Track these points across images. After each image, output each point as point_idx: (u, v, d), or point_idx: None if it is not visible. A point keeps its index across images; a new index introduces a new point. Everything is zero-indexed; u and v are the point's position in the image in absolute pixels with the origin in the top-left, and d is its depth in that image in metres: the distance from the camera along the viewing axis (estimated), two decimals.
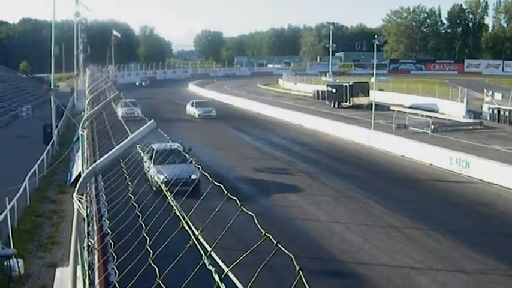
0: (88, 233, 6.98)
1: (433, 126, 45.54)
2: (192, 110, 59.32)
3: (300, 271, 2.39)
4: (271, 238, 2.72)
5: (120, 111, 32.48)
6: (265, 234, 2.79)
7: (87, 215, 7.18)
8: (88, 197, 8.13)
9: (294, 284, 2.38)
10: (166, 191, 4.82)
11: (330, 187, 28.55)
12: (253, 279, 2.68)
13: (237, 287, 2.80)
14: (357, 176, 30.96)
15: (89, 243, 6.80)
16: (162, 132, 7.29)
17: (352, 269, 17.80)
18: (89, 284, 5.90)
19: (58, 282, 11.47)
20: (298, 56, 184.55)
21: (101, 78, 48.99)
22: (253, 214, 3.14)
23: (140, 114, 33.76)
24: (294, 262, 2.44)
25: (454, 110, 56.33)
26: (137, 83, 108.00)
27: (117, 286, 4.72)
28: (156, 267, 3.91)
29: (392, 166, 34.22)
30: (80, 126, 17.40)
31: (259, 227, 2.88)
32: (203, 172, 4.40)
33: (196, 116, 57.33)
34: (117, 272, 5.08)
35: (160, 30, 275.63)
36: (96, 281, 5.70)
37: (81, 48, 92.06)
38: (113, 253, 5.66)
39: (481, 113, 55.89)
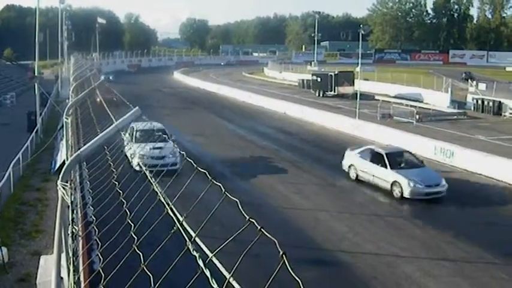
0: (72, 220, 6.96)
1: (417, 116, 45.72)
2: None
3: (284, 255, 2.40)
4: (255, 223, 2.73)
5: (135, 153, 16.10)
6: (249, 219, 2.80)
7: (72, 202, 7.16)
8: (72, 184, 8.09)
9: (278, 268, 2.39)
10: (151, 178, 4.82)
11: (315, 176, 28.61)
12: (237, 264, 2.69)
13: (221, 272, 2.81)
14: (342, 165, 31.02)
15: (73, 230, 6.79)
16: (146, 119, 7.27)
17: (336, 257, 17.88)
18: (73, 271, 5.89)
19: (42, 270, 11.43)
20: (283, 44, 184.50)
21: (85, 65, 48.72)
22: (237, 200, 3.14)
23: (178, 161, 24.21)
24: (278, 247, 2.45)
25: (438, 100, 56.60)
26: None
27: (102, 273, 4.71)
28: (140, 253, 3.90)
29: None
30: (64, 114, 17.31)
31: (243, 213, 2.88)
32: (187, 159, 4.39)
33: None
34: (101, 258, 5.07)
35: (145, 18, 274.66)
36: (81, 267, 5.70)
37: (65, 36, 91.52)
38: (97, 240, 5.66)
39: (465, 103, 56.13)
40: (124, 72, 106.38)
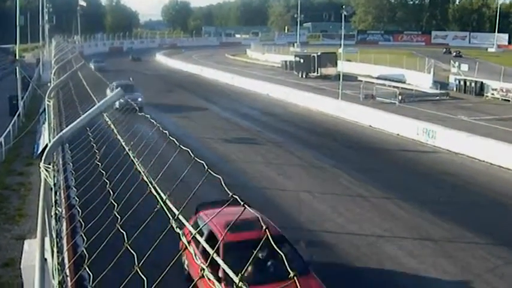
0: (55, 201, 6.94)
1: (400, 97, 45.92)
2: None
3: (267, 230, 2.41)
4: (238, 199, 2.74)
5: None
6: (232, 195, 2.81)
7: (55, 184, 7.13)
8: (55, 166, 8.07)
9: (262, 242, 2.41)
10: (134, 157, 4.81)
11: (298, 157, 28.66)
12: (220, 241, 2.70)
13: (205, 249, 2.82)
14: (325, 146, 31.14)
15: (57, 212, 6.76)
16: (129, 101, 7.25)
17: (320, 238, 17.95)
18: (57, 252, 5.88)
19: (26, 255, 11.37)
20: (266, 26, 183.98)
21: (67, 48, 48.32)
22: (220, 177, 3.15)
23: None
24: (261, 221, 2.46)
25: (421, 80, 56.89)
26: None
27: (85, 253, 4.71)
28: (124, 232, 3.90)
29: (359, 136, 34.46)
30: (46, 96, 17.17)
31: (226, 189, 2.89)
32: (170, 138, 4.39)
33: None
34: (85, 239, 5.07)
35: (127, 0, 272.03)
36: (65, 248, 5.69)
37: (46, 18, 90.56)
38: (81, 220, 5.65)
39: (447, 84, 56.44)
40: (105, 54, 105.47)
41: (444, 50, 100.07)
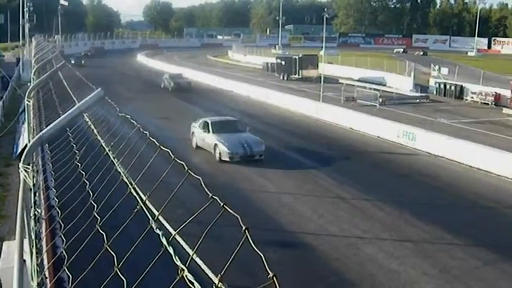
0: (35, 202, 6.89)
1: (381, 100, 46.12)
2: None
3: (246, 230, 2.41)
4: (218, 200, 2.74)
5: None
6: (212, 196, 2.81)
7: (34, 185, 7.09)
8: (35, 167, 8.01)
9: (241, 242, 2.41)
10: (114, 158, 4.79)
11: (279, 159, 28.66)
12: (201, 239, 2.70)
13: (185, 250, 2.82)
14: (306, 148, 31.17)
15: (36, 213, 6.72)
16: (110, 101, 7.22)
17: (300, 239, 17.99)
18: (36, 253, 5.84)
19: (5, 256, 11.29)
20: (248, 28, 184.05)
21: (47, 48, 47.96)
22: (199, 178, 3.15)
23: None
24: (240, 222, 2.46)
25: (401, 83, 57.20)
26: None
27: (65, 254, 4.69)
28: (103, 233, 3.89)
29: (340, 138, 34.56)
30: (26, 96, 17.06)
31: (206, 190, 2.89)
32: (150, 138, 4.38)
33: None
34: (64, 240, 5.04)
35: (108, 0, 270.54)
36: (44, 249, 5.65)
37: (27, 18, 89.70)
38: (60, 222, 5.61)
39: (427, 87, 56.82)
40: (86, 54, 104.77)
41: (421, 52, 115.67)
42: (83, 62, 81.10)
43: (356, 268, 15.98)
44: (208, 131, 28.75)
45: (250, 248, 2.44)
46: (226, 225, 2.81)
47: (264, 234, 17.09)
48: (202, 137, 29.31)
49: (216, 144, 27.61)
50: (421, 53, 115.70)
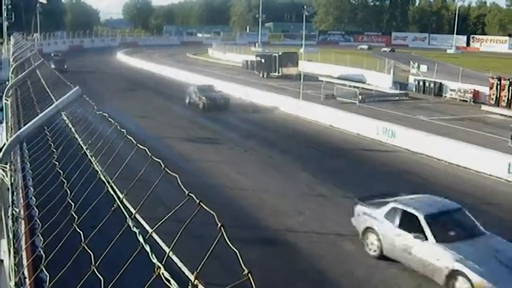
0: (12, 202, 6.85)
1: (360, 97, 46.32)
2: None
3: (222, 227, 2.42)
4: (194, 197, 2.74)
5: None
6: (188, 194, 2.81)
7: (12, 184, 7.05)
8: (12, 166, 7.96)
9: (216, 240, 2.42)
10: (91, 156, 4.78)
11: (259, 157, 28.72)
12: (177, 237, 2.70)
13: (162, 248, 2.83)
14: (286, 146, 31.27)
15: (14, 212, 6.68)
16: (88, 99, 7.19)
17: (281, 237, 18.05)
18: (14, 253, 5.81)
19: None
20: (228, 25, 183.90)
21: (26, 46, 47.60)
22: (176, 175, 3.15)
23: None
24: (216, 219, 2.47)
25: (381, 81, 57.52)
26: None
27: (42, 253, 4.67)
28: (80, 232, 3.88)
29: (320, 136, 34.67)
30: (4, 95, 16.91)
31: (182, 187, 2.89)
32: (127, 136, 4.37)
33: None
34: (42, 239, 5.02)
35: None
36: (23, 247, 5.63)
37: (5, 15, 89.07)
38: (38, 221, 5.59)
39: (407, 84, 57.14)
40: (65, 52, 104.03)
41: (388, 49, 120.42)
42: (65, 66, 68.96)
43: (336, 264, 16.07)
44: (424, 236, 15.10)
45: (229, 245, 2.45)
46: (206, 222, 2.81)
47: (245, 232, 17.11)
48: (401, 242, 15.80)
49: (456, 272, 13.90)
50: (388, 50, 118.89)
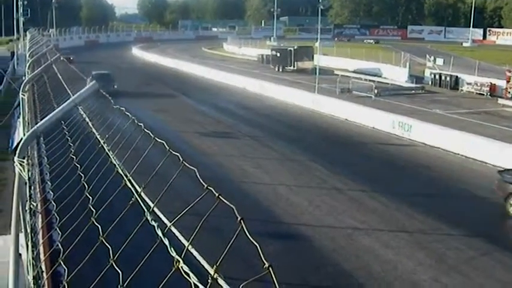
0: (30, 196, 6.88)
1: (376, 91, 46.10)
2: None
3: (242, 221, 2.41)
4: (213, 191, 2.73)
5: None
6: (207, 187, 2.80)
7: (29, 178, 7.07)
8: (30, 160, 8.00)
9: (236, 233, 2.40)
10: (109, 151, 4.78)
11: (275, 150, 28.69)
12: (196, 231, 2.69)
13: (180, 241, 2.82)
14: (301, 139, 31.21)
15: (31, 206, 6.71)
16: (104, 94, 7.20)
17: (296, 231, 18.03)
18: (32, 247, 5.84)
19: (0, 250, 11.28)
20: (243, 20, 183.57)
21: (41, 41, 47.80)
22: (195, 169, 3.14)
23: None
24: (236, 213, 2.46)
25: (396, 74, 57.16)
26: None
27: (60, 247, 4.68)
28: (98, 226, 3.89)
29: (336, 129, 34.57)
30: (21, 90, 16.99)
31: (201, 181, 2.88)
32: (145, 130, 4.37)
33: None
34: (60, 233, 5.04)
35: None
36: (40, 241, 5.65)
37: (21, 11, 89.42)
38: (56, 215, 5.61)
39: (423, 77, 56.77)
40: (81, 48, 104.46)
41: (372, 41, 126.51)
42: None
43: (352, 259, 16.03)
44: None
45: (248, 239, 2.44)
46: (223, 215, 2.80)
47: (260, 226, 17.12)
48: None
49: None
50: (374, 42, 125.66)
